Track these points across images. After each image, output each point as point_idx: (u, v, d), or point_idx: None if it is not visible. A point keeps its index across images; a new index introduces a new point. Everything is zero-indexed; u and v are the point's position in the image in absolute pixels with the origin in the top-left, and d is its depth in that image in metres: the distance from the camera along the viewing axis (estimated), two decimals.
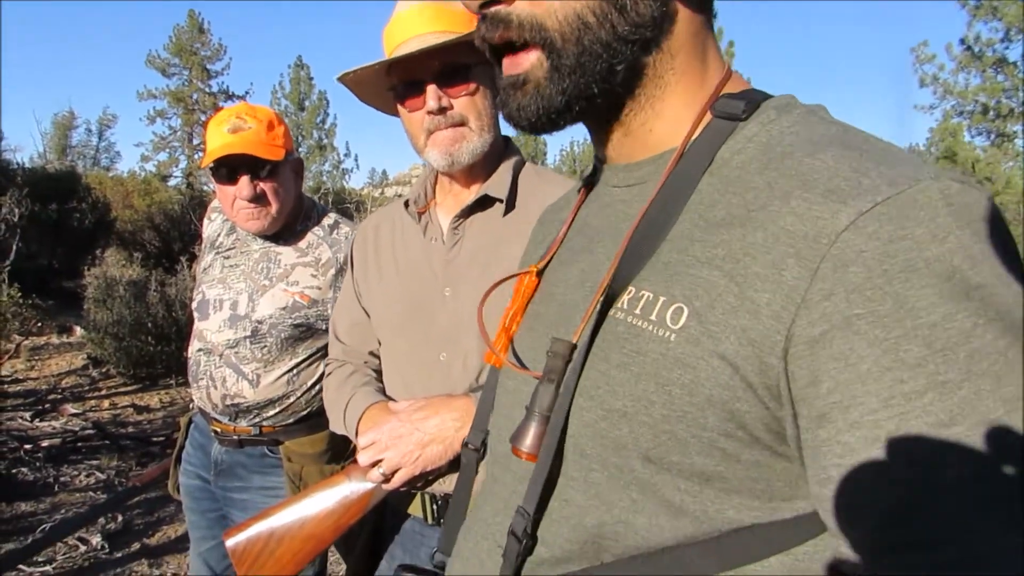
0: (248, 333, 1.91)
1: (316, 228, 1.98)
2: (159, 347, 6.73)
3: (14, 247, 7.79)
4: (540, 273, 0.86)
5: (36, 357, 7.64)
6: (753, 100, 0.69)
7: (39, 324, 8.64)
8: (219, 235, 2.11)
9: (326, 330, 1.86)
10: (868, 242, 0.53)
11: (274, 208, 1.90)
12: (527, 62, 0.68)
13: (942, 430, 0.51)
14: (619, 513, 0.65)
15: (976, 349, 0.51)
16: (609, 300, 0.68)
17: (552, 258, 0.86)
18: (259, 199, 1.87)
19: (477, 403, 1.28)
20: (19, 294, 7.06)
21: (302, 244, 1.96)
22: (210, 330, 1.97)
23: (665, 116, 0.72)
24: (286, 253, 1.96)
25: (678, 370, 0.60)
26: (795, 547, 0.61)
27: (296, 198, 1.98)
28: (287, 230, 1.99)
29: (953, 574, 0.50)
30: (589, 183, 0.87)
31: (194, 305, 2.06)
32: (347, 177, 21.69)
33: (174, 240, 12.12)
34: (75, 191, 11.35)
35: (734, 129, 0.68)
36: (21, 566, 3.42)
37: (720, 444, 0.60)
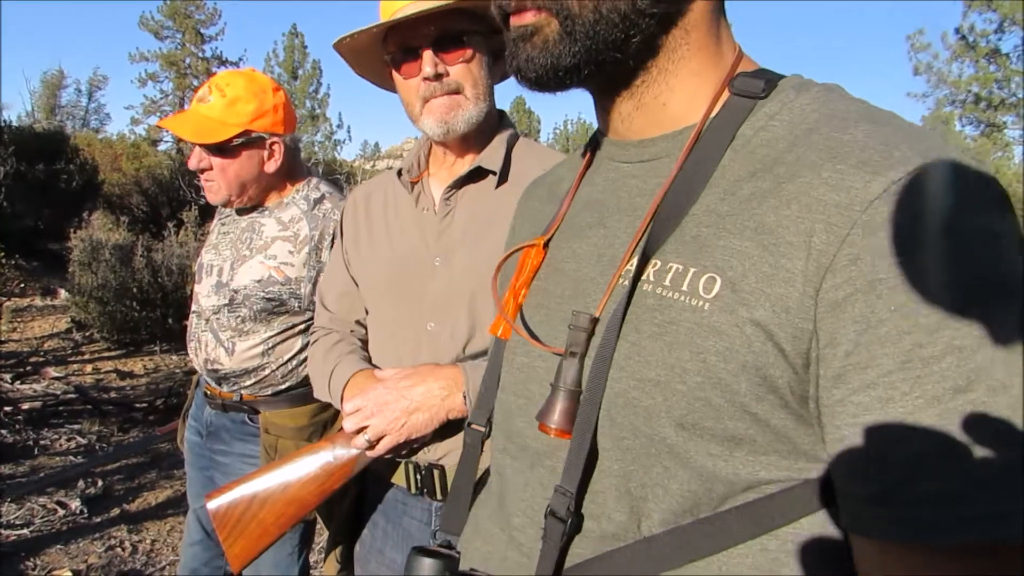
0: (226, 301, 1.91)
1: (301, 201, 1.96)
2: (144, 313, 6.70)
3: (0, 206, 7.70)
4: (546, 244, 0.85)
5: (19, 319, 7.58)
6: (771, 79, 0.71)
7: (22, 285, 8.58)
8: None
9: (300, 308, 1.88)
10: (898, 210, 0.55)
11: (222, 184, 1.90)
12: (535, 17, 0.68)
13: (957, 395, 0.52)
14: (655, 477, 0.65)
15: (992, 317, 0.53)
16: (637, 274, 0.68)
17: (555, 233, 0.85)
18: (207, 171, 1.91)
19: (464, 374, 1.28)
20: (2, 254, 7.00)
21: (284, 217, 1.94)
22: (202, 294, 1.99)
23: (679, 92, 0.72)
24: (269, 225, 1.95)
25: (713, 338, 0.62)
26: (824, 508, 0.63)
27: (272, 176, 1.95)
28: (274, 202, 1.98)
29: (946, 531, 0.52)
30: (588, 158, 0.86)
31: (196, 267, 2.09)
32: (339, 148, 21.61)
33: (162, 205, 12.03)
34: (63, 152, 11.21)
35: (753, 107, 0.70)
36: None
37: (752, 408, 0.61)
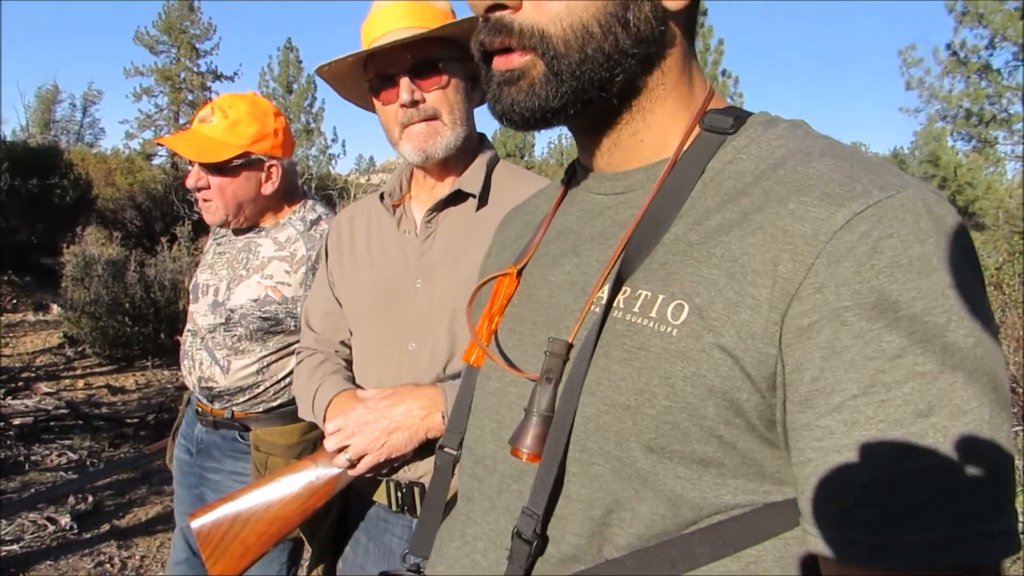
0: (222, 320, 1.93)
1: (298, 222, 1.99)
2: (136, 328, 6.70)
3: None
4: (519, 273, 0.87)
5: (11, 334, 7.57)
6: (739, 116, 0.74)
7: (15, 300, 8.57)
8: None
9: (296, 327, 1.89)
10: (860, 240, 0.58)
11: (219, 204, 1.94)
12: (520, 60, 0.71)
13: (919, 419, 0.55)
14: (623, 502, 0.67)
15: (951, 343, 0.56)
16: (609, 301, 0.70)
17: (528, 261, 0.87)
18: (204, 191, 1.94)
19: (443, 394, 1.31)
20: None
21: (282, 238, 1.98)
22: (198, 313, 2.02)
23: (654, 128, 0.76)
24: (266, 245, 1.98)
25: (681, 363, 0.63)
26: (786, 531, 0.64)
27: (269, 198, 1.99)
28: (271, 223, 2.02)
29: (915, 558, 0.54)
30: (564, 187, 0.89)
31: (191, 287, 2.11)
32: (334, 162, 21.62)
33: (156, 220, 12.03)
34: (57, 166, 11.22)
35: (722, 142, 0.73)
36: None
37: (719, 432, 0.63)
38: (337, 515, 1.54)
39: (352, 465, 1.34)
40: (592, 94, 0.71)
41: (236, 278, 1.96)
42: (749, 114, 0.76)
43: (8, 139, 12.31)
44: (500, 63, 0.72)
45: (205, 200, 1.95)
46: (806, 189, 0.63)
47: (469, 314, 0.86)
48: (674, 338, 0.64)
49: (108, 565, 3.38)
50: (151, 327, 6.74)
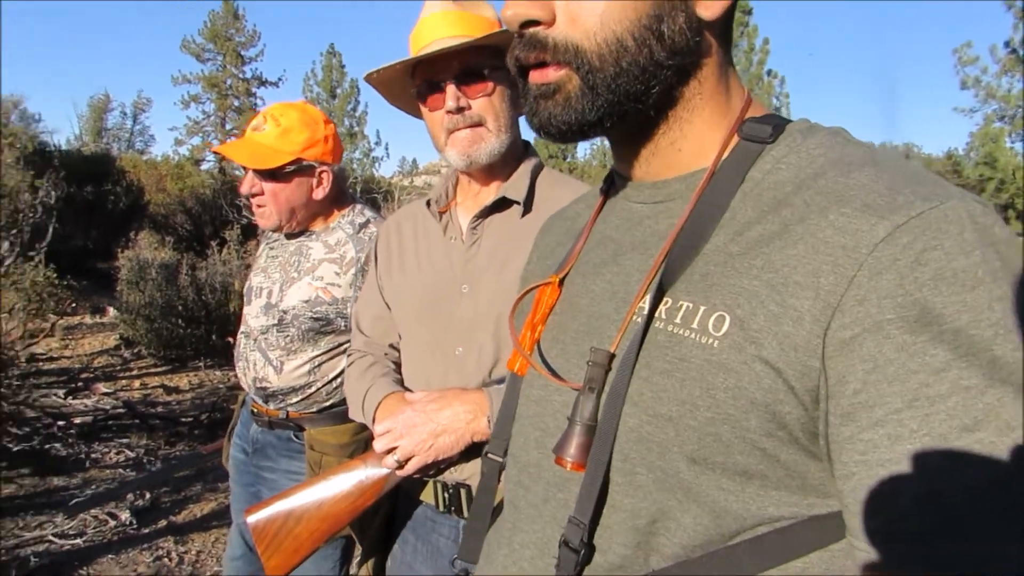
0: (275, 321, 2.00)
1: (347, 226, 2.06)
2: (188, 330, 6.88)
3: (50, 228, 7.98)
4: (561, 283, 0.88)
5: (70, 336, 7.83)
6: (778, 124, 0.74)
7: (73, 304, 8.83)
8: None
9: (346, 327, 1.95)
10: (902, 252, 0.58)
11: (273, 209, 2.00)
12: (556, 74, 0.71)
13: (964, 434, 0.54)
14: (667, 512, 0.68)
15: (998, 357, 0.55)
16: (651, 312, 0.70)
17: (570, 270, 0.88)
18: (258, 196, 2.00)
19: (489, 398, 1.34)
20: (55, 275, 7.26)
21: (332, 241, 2.04)
22: (251, 315, 2.09)
23: (692, 138, 0.76)
24: (316, 248, 2.04)
25: (722, 375, 0.64)
26: (832, 543, 0.64)
27: (320, 203, 2.05)
28: (321, 227, 2.08)
29: (955, 571, 0.54)
30: (604, 195, 0.90)
31: (244, 290, 2.19)
32: (377, 165, 21.86)
33: (205, 224, 12.32)
34: (110, 174, 11.60)
35: (762, 151, 0.73)
36: (52, 537, 3.56)
37: (761, 444, 0.63)
38: (386, 515, 1.59)
39: (400, 466, 1.39)
40: (628, 106, 0.71)
41: (288, 280, 2.03)
42: (788, 122, 0.75)
43: (63, 148, 12.70)
44: (536, 77, 0.73)
45: (259, 206, 2.02)
46: (847, 200, 0.62)
47: (511, 323, 0.87)
48: (715, 349, 0.65)
49: (166, 559, 3.50)
50: (203, 328, 6.92)
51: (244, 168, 2.01)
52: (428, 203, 1.55)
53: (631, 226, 0.81)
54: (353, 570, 1.96)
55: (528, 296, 0.90)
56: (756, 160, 0.72)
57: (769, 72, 18.62)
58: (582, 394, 0.73)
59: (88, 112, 27.09)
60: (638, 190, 0.81)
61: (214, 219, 12.18)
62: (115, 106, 28.27)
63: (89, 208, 10.67)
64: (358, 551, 1.66)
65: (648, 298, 0.71)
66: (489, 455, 1.01)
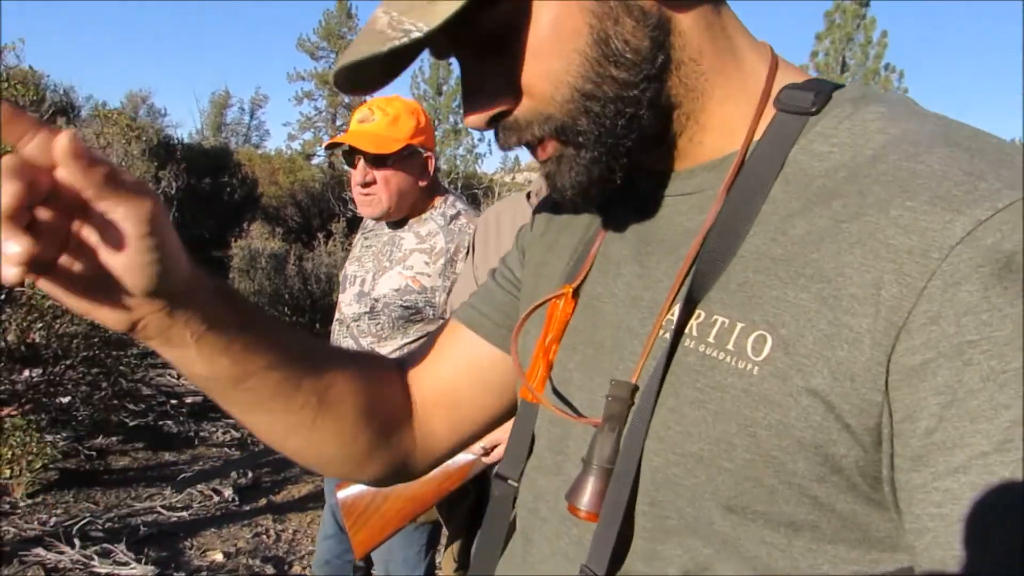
0: (367, 309, 2.05)
1: (439, 217, 2.09)
2: (294, 318, 7.13)
3: (172, 218, 8.44)
4: (576, 292, 0.73)
5: None
6: (821, 90, 0.61)
7: None
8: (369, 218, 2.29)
9: (434, 316, 1.98)
10: (987, 256, 0.46)
11: (384, 196, 2.03)
12: (551, 148, 0.62)
13: None
14: (703, 563, 0.57)
15: None
16: (679, 328, 0.59)
17: (588, 273, 0.73)
18: (370, 186, 2.04)
19: None
20: None
21: (423, 231, 2.08)
22: (344, 302, 2.16)
23: (711, 125, 0.63)
24: (408, 239, 2.09)
25: (763, 409, 0.53)
26: None
27: (421, 191, 2.09)
28: (415, 218, 2.12)
29: None
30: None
31: (340, 278, 2.27)
32: (480, 161, 22.08)
33: (313, 217, 12.76)
34: (227, 166, 12.18)
35: (803, 125, 0.60)
36: (161, 508, 3.76)
37: (812, 491, 0.52)
38: (474, 501, 1.59)
39: (486, 453, 1.39)
40: (628, 140, 0.60)
41: (380, 269, 2.08)
42: (836, 87, 0.62)
43: (185, 141, 13.45)
44: (539, 153, 0.64)
45: (368, 195, 2.06)
46: (914, 191, 0.50)
47: (514, 349, 0.73)
48: (755, 377, 0.53)
49: (264, 536, 3.64)
50: (307, 317, 7.16)
51: (350, 162, 2.06)
52: (528, 195, 1.54)
53: (656, 220, 0.68)
54: (439, 557, 1.98)
55: (538, 311, 0.75)
56: (798, 137, 0.60)
57: (887, 66, 17.78)
58: (600, 432, 0.61)
59: (209, 107, 28.66)
60: (662, 181, 0.69)
61: (322, 212, 12.59)
62: (234, 102, 29.81)
63: (207, 199, 11.23)
64: (443, 540, 1.68)
65: (677, 309, 0.59)
66: (502, 477, 0.82)
